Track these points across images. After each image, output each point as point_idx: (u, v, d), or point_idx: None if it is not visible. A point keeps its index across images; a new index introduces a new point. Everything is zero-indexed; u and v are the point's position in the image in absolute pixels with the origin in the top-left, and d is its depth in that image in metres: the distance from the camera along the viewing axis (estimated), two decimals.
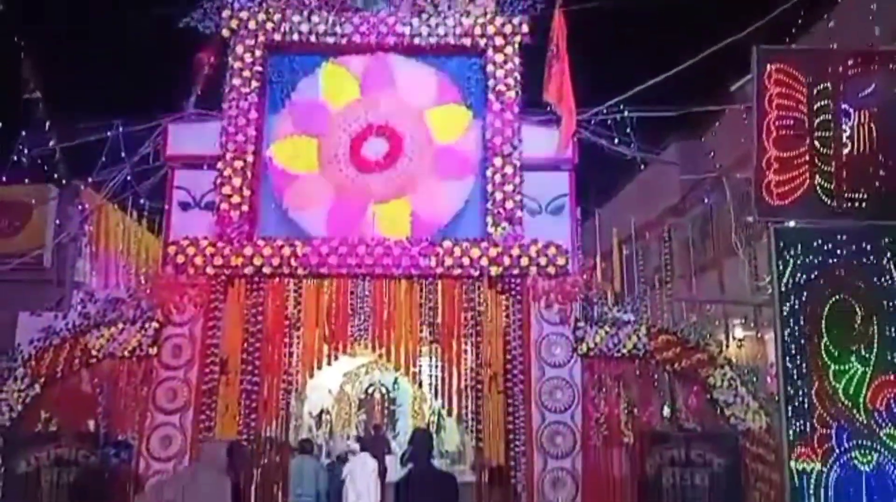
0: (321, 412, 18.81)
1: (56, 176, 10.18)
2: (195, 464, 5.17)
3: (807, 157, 5.06)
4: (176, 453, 6.53)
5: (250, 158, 7.09)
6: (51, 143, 8.85)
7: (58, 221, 10.37)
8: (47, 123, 9.45)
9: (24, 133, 8.95)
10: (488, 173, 7.07)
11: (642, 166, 8.49)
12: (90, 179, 8.06)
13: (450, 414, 7.44)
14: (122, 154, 7.78)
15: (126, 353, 6.71)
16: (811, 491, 4.74)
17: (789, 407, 4.81)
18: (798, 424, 4.77)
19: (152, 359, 6.72)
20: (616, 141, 7.29)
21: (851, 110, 4.99)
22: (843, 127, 5.00)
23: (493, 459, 7.02)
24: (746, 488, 6.18)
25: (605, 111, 7.22)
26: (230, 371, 6.82)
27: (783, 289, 4.94)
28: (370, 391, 19.38)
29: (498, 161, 7.07)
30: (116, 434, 6.48)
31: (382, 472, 13.37)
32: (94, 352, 6.68)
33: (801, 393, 4.80)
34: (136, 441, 6.50)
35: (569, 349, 6.80)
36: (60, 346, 6.63)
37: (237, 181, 7.00)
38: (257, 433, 6.99)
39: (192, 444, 6.54)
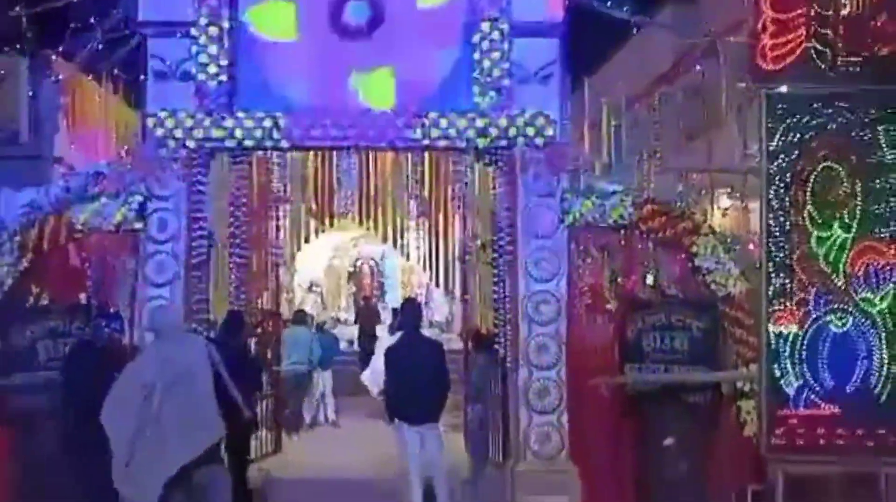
0: (311, 285, 19.19)
1: (25, 46, 9.80)
2: (154, 343, 5.12)
3: (804, 19, 4.88)
4: None
5: (226, 25, 6.76)
6: (16, 9, 8.47)
7: (31, 93, 10.07)
8: None
9: None
10: (475, 39, 6.79)
11: (635, 31, 8.21)
12: (60, 48, 7.76)
13: (438, 285, 7.52)
14: (92, 20, 7.47)
15: (112, 227, 6.64)
16: (787, 353, 4.90)
17: (770, 273, 4.89)
18: (778, 289, 4.87)
19: (138, 233, 6.68)
20: (608, 2, 7.01)
21: None
22: None
23: (480, 327, 7.22)
24: (724, 350, 6.40)
25: None
26: (218, 244, 6.85)
27: (771, 155, 4.89)
28: (359, 264, 19.75)
29: (485, 26, 6.78)
30: (108, 306, 6.57)
31: (374, 340, 13.86)
32: (78, 227, 6.62)
33: (782, 259, 4.87)
34: (128, 313, 6.60)
35: (555, 220, 6.78)
36: (44, 221, 6.56)
37: (213, 49, 6.71)
38: (249, 304, 7.13)
39: (187, 316, 6.61)
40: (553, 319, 6.74)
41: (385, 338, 10.27)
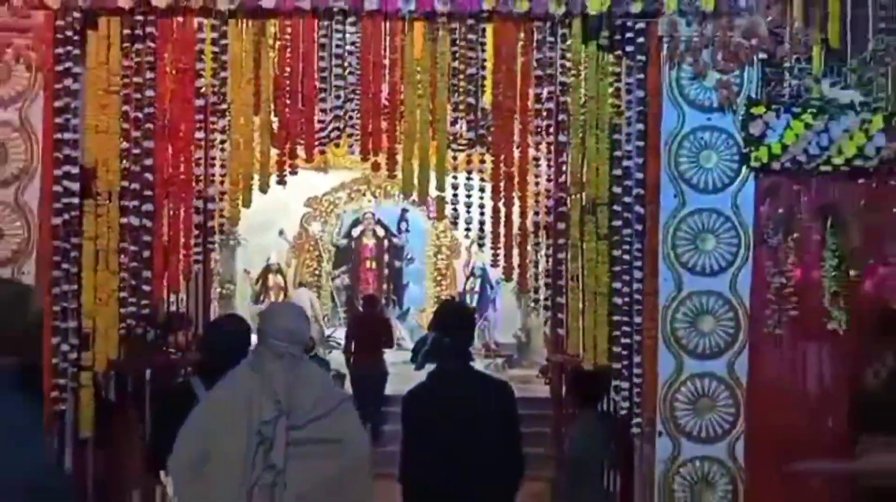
0: (266, 270, 19.43)
1: None
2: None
3: None
4: None
5: None
6: None
7: None
8: None
9: None
10: None
11: None
12: None
13: (507, 277, 7.59)
14: None
15: None
16: None
17: None
18: None
19: None
20: None
21: None
22: None
23: (583, 358, 7.23)
24: None
25: None
26: (101, 191, 6.96)
27: None
28: (356, 234, 19.92)
29: None
30: None
31: (378, 378, 14.01)
32: None
33: None
34: None
35: (733, 157, 6.83)
36: None
37: None
38: (156, 304, 7.27)
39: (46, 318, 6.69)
40: (724, 346, 6.80)
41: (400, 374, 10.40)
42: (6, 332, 4.94)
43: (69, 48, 6.91)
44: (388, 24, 7.04)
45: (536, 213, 7.36)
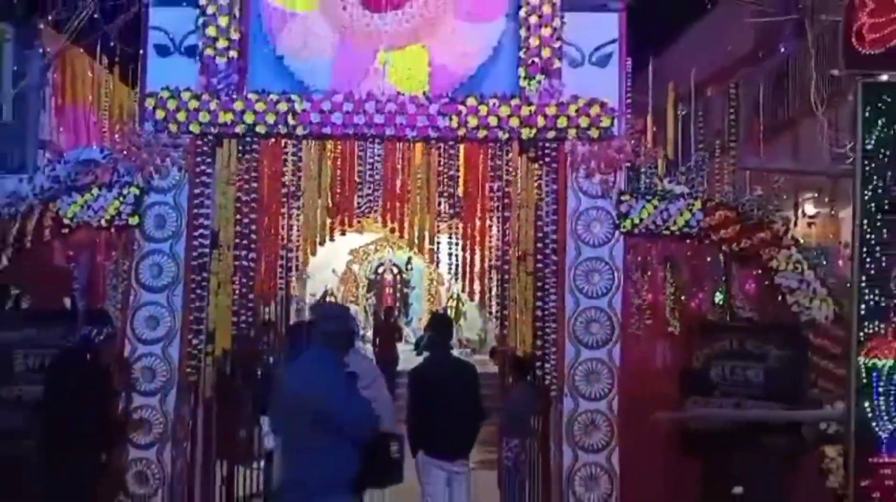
0: (325, 294, 19.37)
1: (10, 13, 10.02)
2: None
3: None
4: (164, 334, 6.80)
5: None
6: None
7: (16, 68, 10.25)
8: None
9: None
10: (522, 13, 6.85)
11: (709, 4, 8.22)
12: (50, 17, 7.92)
13: (471, 298, 7.59)
14: None
15: (103, 223, 6.82)
16: (881, 390, 4.86)
17: (863, 294, 4.85)
18: (872, 313, 4.83)
19: (133, 229, 6.84)
20: None
21: None
22: None
23: (518, 348, 7.24)
24: (806, 384, 6.36)
25: None
26: (223, 244, 6.94)
27: (867, 154, 4.86)
28: (380, 271, 19.96)
29: None
30: (97, 312, 6.71)
31: (393, 361, 13.99)
32: (66, 221, 6.78)
33: (877, 277, 4.84)
34: (119, 321, 6.74)
35: (610, 226, 6.84)
36: (28, 213, 6.70)
37: (223, 21, 6.84)
38: (255, 315, 7.23)
39: (184, 325, 6.79)
40: (605, 341, 6.78)
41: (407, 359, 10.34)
42: (340, 334, 5.02)
43: (204, 157, 6.91)
44: (400, 144, 7.04)
45: (490, 260, 7.34)
